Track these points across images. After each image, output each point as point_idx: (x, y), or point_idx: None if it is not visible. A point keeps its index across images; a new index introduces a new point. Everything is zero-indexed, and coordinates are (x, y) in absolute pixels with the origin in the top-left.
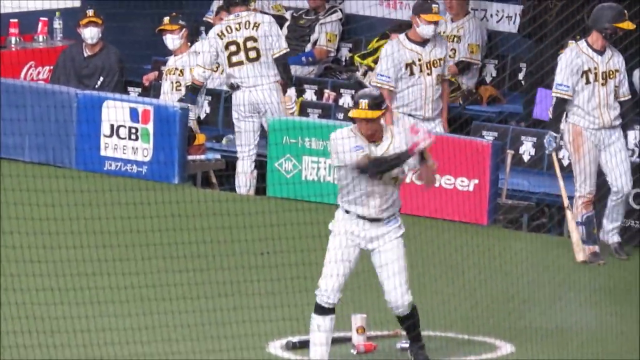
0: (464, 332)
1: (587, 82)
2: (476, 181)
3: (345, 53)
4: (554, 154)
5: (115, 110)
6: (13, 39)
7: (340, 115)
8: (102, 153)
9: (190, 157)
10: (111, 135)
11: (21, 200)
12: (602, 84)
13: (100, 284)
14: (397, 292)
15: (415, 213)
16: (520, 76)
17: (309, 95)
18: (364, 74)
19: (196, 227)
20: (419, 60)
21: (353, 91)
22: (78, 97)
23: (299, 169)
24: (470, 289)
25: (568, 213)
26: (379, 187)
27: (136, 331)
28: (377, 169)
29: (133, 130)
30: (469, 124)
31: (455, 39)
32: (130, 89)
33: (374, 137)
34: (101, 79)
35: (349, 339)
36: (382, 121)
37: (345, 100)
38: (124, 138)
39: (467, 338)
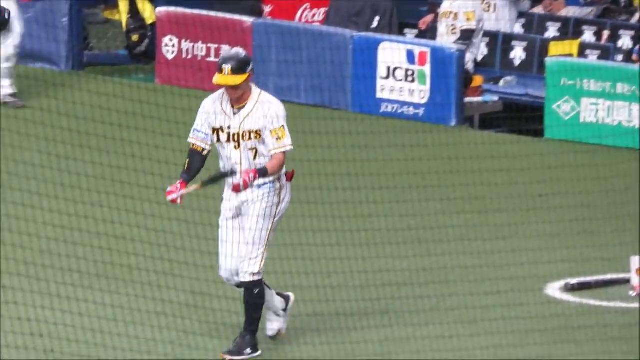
0: None
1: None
2: None
3: None
4: None
5: (391, 52)
6: None
7: (619, 57)
8: (379, 95)
9: (467, 99)
10: (387, 77)
11: (297, 142)
12: None
13: (377, 226)
14: (246, 259)
15: None
16: None
17: (588, 36)
18: None
19: (473, 169)
20: None
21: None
22: (354, 39)
23: (577, 110)
24: None
25: None
26: (237, 156)
27: (414, 272)
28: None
29: (410, 72)
30: None
31: None
32: (406, 30)
33: (240, 101)
34: (377, 18)
35: (628, 281)
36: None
37: (624, 42)
38: (401, 80)
39: None
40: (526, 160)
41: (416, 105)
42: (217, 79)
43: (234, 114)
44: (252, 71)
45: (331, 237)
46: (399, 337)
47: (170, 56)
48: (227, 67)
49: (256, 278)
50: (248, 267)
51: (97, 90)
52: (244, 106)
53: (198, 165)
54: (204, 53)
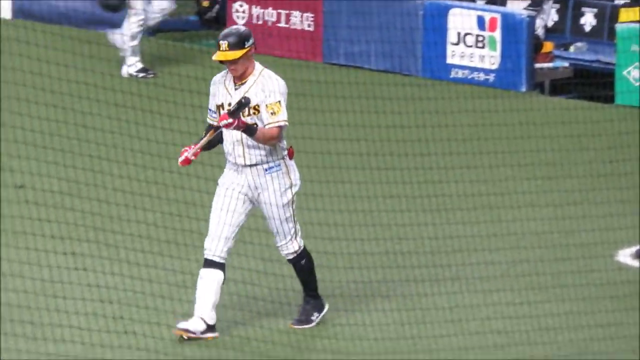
0: None
1: None
2: None
3: None
4: None
5: (461, 18)
6: None
7: None
8: (449, 61)
9: (537, 65)
10: (458, 43)
11: (367, 107)
12: None
13: (447, 192)
14: (282, 242)
15: None
16: None
17: None
18: None
19: (544, 135)
20: None
21: None
22: (424, 4)
23: None
24: None
25: None
26: (237, 132)
27: (484, 238)
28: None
29: (480, 38)
30: None
31: None
32: None
33: (242, 78)
34: None
35: None
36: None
37: None
38: (471, 46)
39: None
40: (596, 126)
41: (486, 71)
42: (215, 55)
43: (235, 90)
44: (253, 46)
45: (401, 203)
46: (469, 303)
47: (240, 22)
48: (224, 43)
49: (299, 252)
50: (287, 250)
51: (167, 56)
52: (245, 82)
53: (217, 137)
54: (274, 19)
